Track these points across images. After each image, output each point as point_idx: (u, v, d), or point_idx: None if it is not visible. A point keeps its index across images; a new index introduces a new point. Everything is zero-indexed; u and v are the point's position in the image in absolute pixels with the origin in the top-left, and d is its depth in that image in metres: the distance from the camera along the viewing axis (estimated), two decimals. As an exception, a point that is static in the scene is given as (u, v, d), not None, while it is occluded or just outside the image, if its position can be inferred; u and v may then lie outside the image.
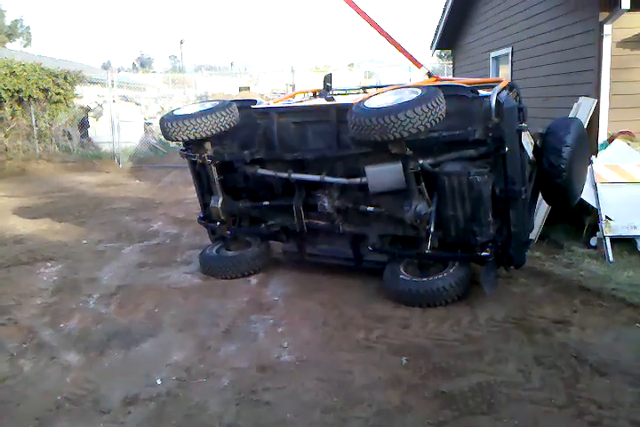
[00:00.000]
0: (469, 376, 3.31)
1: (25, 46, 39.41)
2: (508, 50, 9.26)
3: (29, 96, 13.12)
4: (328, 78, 5.52)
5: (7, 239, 6.78)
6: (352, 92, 5.92)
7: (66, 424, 3.01)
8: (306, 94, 5.91)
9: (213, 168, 5.09)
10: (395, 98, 4.15)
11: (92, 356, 3.74)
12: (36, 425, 3.00)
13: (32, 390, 3.33)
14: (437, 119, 3.88)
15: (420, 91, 4.03)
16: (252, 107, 4.99)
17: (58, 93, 13.55)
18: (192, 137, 4.76)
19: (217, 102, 5.02)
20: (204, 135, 4.77)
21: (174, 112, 5.02)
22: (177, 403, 3.15)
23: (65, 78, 13.67)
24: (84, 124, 14.74)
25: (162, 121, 4.86)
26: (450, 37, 12.70)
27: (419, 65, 5.56)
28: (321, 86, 5.66)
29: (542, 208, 5.69)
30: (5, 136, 13.02)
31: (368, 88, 5.89)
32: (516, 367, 3.39)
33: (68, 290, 5.01)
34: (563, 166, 4.40)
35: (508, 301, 4.41)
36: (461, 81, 5.33)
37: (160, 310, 4.49)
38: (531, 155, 4.44)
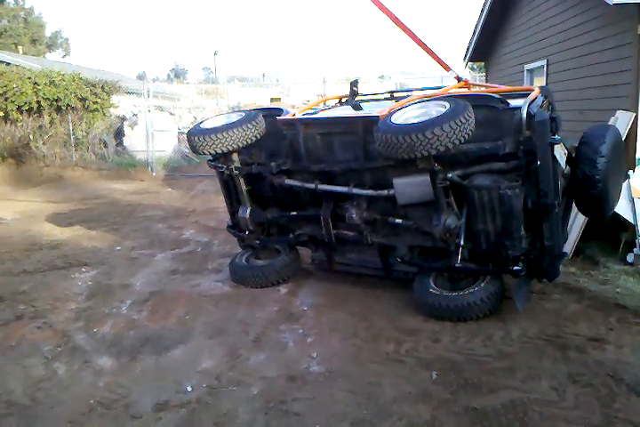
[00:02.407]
0: (501, 393, 3.25)
1: (64, 57, 40.60)
2: (543, 62, 9.18)
3: (67, 105, 13.49)
4: (355, 84, 5.48)
5: (44, 244, 6.94)
6: (379, 97, 5.82)
7: (98, 428, 3.05)
8: (331, 101, 5.86)
9: (241, 179, 5.12)
10: (421, 112, 4.10)
11: (124, 361, 3.80)
12: (70, 428, 3.05)
13: (66, 394, 3.39)
14: (466, 135, 3.80)
15: (447, 104, 3.95)
16: (278, 118, 4.95)
17: (95, 103, 13.90)
18: (219, 151, 4.77)
19: (242, 114, 5.00)
20: (230, 149, 4.77)
21: (201, 125, 5.00)
22: (207, 410, 3.17)
23: (102, 88, 14.02)
24: (119, 133, 15.07)
25: (189, 135, 4.85)
26: (483, 50, 12.65)
27: (447, 68, 5.48)
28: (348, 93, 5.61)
29: (577, 224, 5.59)
30: (44, 143, 13.38)
31: (395, 92, 5.84)
32: (550, 385, 3.32)
33: (102, 295, 5.11)
34: (598, 177, 4.31)
35: (541, 317, 4.33)
36: (492, 89, 5.25)
37: (191, 318, 4.54)
38: (564, 166, 4.35)
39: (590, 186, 4.35)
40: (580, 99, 7.68)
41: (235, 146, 4.77)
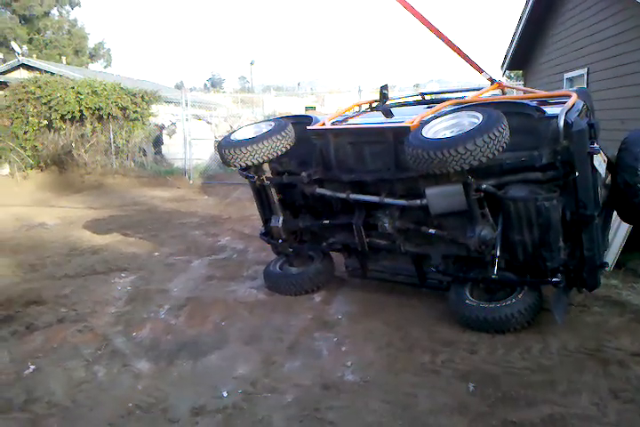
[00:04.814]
0: (540, 407, 3.19)
1: (105, 67, 41.69)
2: (584, 71, 9.04)
3: (109, 114, 13.80)
4: (385, 88, 5.42)
5: (85, 250, 7.11)
6: (409, 99, 5.76)
7: (136, 431, 3.11)
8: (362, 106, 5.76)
9: (272, 188, 5.12)
10: (453, 123, 4.01)
11: (161, 365, 3.86)
12: (109, 430, 3.11)
13: (105, 396, 3.46)
14: (500, 149, 3.68)
15: (480, 116, 3.83)
16: (307, 128, 4.90)
17: (135, 112, 14.19)
18: (250, 163, 4.72)
19: (272, 124, 4.93)
20: (261, 160, 4.72)
21: (231, 137, 4.95)
22: (242, 416, 3.19)
23: (142, 98, 14.33)
24: (158, 142, 15.37)
25: (219, 147, 4.82)
26: (521, 58, 12.52)
27: (480, 70, 5.40)
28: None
29: (620, 235, 5.46)
30: (85, 151, 13.73)
31: (427, 94, 5.75)
32: (591, 400, 3.24)
33: (141, 300, 5.20)
34: (639, 185, 4.20)
35: (581, 330, 4.23)
36: (528, 95, 5.15)
37: (227, 324, 4.59)
38: (604, 175, 4.23)
39: (632, 194, 4.24)
40: (622, 108, 7.53)
41: (265, 158, 4.72)
